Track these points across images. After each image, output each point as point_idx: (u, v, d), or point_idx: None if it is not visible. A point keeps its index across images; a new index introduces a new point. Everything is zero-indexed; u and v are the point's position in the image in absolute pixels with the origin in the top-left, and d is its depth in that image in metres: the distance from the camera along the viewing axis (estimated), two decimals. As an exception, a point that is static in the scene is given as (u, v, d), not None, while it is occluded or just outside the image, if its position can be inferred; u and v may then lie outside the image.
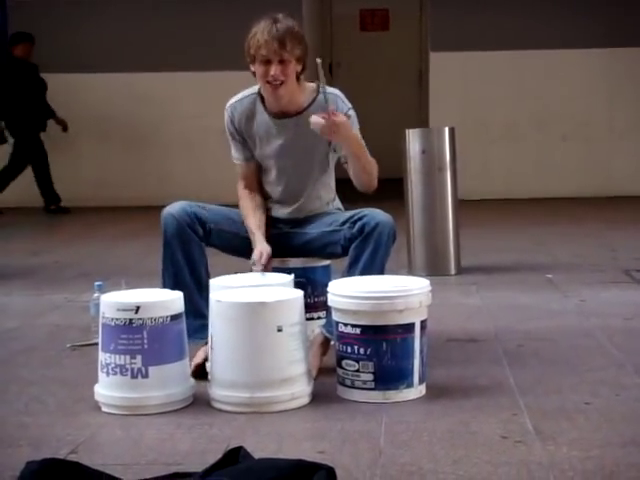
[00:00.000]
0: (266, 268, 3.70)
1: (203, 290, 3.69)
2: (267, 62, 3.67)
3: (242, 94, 3.90)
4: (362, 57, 11.96)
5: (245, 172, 3.94)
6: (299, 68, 3.74)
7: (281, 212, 3.94)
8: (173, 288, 3.60)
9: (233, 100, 3.91)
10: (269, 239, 3.79)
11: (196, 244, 3.74)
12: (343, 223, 3.74)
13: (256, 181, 3.94)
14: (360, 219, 3.67)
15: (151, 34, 9.89)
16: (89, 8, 9.93)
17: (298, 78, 3.77)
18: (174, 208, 3.75)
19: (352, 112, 3.82)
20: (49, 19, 9.89)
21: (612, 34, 9.71)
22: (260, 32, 3.66)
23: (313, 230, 3.86)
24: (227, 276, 3.67)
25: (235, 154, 3.95)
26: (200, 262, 3.76)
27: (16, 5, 10.02)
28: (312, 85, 3.86)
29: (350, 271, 3.66)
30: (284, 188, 3.91)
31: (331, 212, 3.95)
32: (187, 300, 3.43)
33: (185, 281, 3.70)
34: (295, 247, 3.89)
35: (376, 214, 3.66)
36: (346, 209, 3.94)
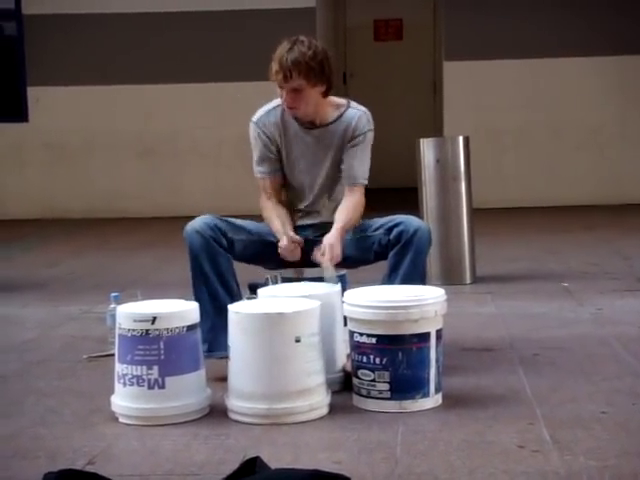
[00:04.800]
0: (294, 253, 3.75)
1: (235, 300, 3.72)
2: (281, 87, 3.79)
3: (266, 107, 3.97)
4: (376, 67, 11.97)
5: (270, 186, 3.98)
6: (322, 89, 3.81)
7: (307, 220, 3.98)
8: (208, 304, 3.68)
9: (259, 114, 3.97)
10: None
11: (223, 256, 3.77)
12: (376, 230, 3.82)
13: (280, 193, 4.00)
14: (396, 226, 3.75)
15: (162, 46, 9.91)
16: (100, 20, 9.96)
17: (326, 95, 3.84)
18: (197, 223, 3.78)
19: (370, 134, 3.95)
20: (62, 32, 9.91)
21: (625, 42, 9.69)
22: (275, 59, 3.77)
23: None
24: (274, 286, 3.70)
25: (261, 168, 3.98)
26: (229, 273, 3.80)
27: (30, 19, 10.06)
28: (342, 101, 3.97)
29: (391, 278, 3.72)
30: (312, 195, 3.97)
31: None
32: (223, 316, 3.41)
33: (219, 295, 3.74)
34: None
35: (413, 220, 3.76)
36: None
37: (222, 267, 3.77)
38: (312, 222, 3.98)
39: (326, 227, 3.93)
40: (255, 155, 3.98)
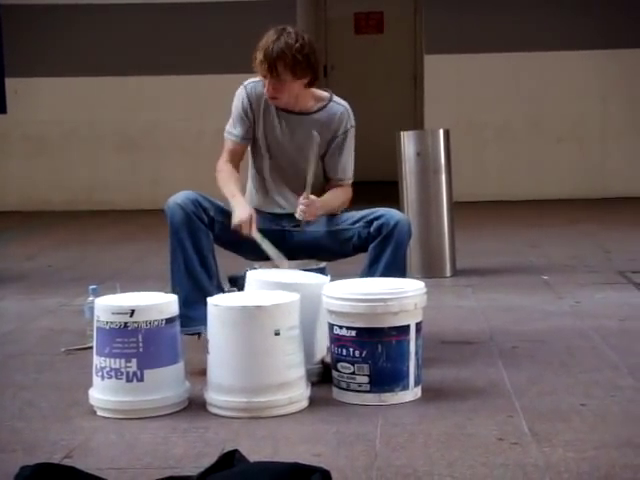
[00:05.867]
0: (250, 230, 3.73)
1: (213, 278, 3.74)
2: (264, 76, 3.79)
3: (259, 78, 3.92)
4: (357, 60, 11.96)
5: (235, 150, 3.97)
6: (305, 80, 3.80)
7: (280, 208, 3.96)
8: (183, 277, 3.67)
9: (251, 79, 3.96)
10: (271, 235, 3.82)
11: (203, 232, 3.75)
12: (354, 222, 3.82)
13: (239, 162, 3.99)
14: (377, 219, 3.76)
15: (142, 38, 9.87)
16: (81, 11, 9.91)
17: (310, 86, 3.84)
18: (179, 197, 3.76)
19: (353, 130, 3.97)
20: (41, 23, 9.86)
21: (606, 36, 9.71)
22: (260, 48, 3.76)
23: (318, 228, 3.88)
24: (266, 269, 3.70)
25: (233, 130, 3.96)
26: (208, 249, 3.77)
27: (7, 8, 9.99)
28: (324, 93, 3.97)
29: (371, 271, 3.72)
30: (281, 181, 3.97)
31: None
32: (198, 289, 3.54)
33: (195, 270, 3.72)
34: (298, 245, 3.90)
35: (394, 213, 3.77)
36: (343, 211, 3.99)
37: (202, 243, 3.74)
38: (287, 211, 3.95)
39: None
40: (233, 116, 3.96)
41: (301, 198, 3.77)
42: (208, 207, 3.78)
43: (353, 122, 3.96)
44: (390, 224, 3.71)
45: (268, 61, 3.71)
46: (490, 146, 9.98)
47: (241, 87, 3.95)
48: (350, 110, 3.97)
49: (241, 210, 3.75)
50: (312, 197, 3.79)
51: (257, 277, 3.56)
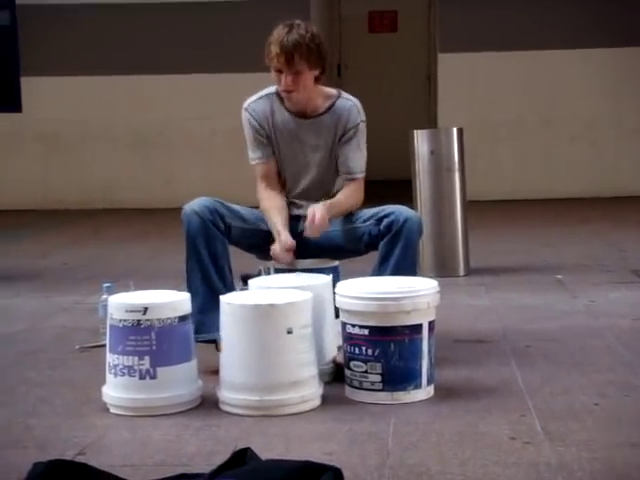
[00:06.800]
0: (286, 259, 3.76)
1: (228, 287, 3.74)
2: (280, 71, 3.79)
3: (258, 94, 3.99)
4: (370, 58, 11.94)
5: (266, 171, 3.97)
6: (316, 73, 3.82)
7: (298, 211, 3.97)
8: (200, 285, 3.70)
9: (250, 100, 3.99)
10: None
11: (219, 240, 3.77)
12: (365, 220, 3.83)
13: (277, 180, 3.99)
14: (387, 216, 3.76)
15: (156, 37, 9.88)
16: (96, 10, 9.93)
17: (318, 80, 3.85)
18: (196, 205, 3.77)
19: (363, 125, 3.96)
20: (56, 22, 9.88)
21: (619, 34, 9.67)
22: (274, 42, 3.78)
23: (332, 228, 3.88)
24: (266, 277, 3.71)
25: (255, 154, 3.97)
26: (224, 258, 3.79)
27: (23, 8, 10.02)
28: (332, 91, 3.98)
29: (381, 268, 3.73)
30: (301, 185, 3.98)
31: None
32: (213, 296, 3.53)
33: (212, 279, 3.74)
34: (313, 245, 3.90)
35: (403, 210, 3.76)
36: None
37: (218, 251, 3.76)
38: (304, 213, 3.96)
39: None
40: (248, 141, 3.99)
41: (309, 213, 3.76)
42: (225, 214, 3.80)
43: (364, 117, 3.96)
44: (400, 221, 3.70)
45: (285, 53, 3.72)
46: (503, 145, 9.96)
47: (243, 110, 3.98)
48: (360, 105, 3.97)
49: (281, 239, 3.77)
50: (318, 210, 3.77)
51: (259, 284, 3.56)
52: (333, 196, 3.99)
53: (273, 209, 3.89)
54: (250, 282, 3.59)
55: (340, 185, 3.98)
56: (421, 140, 5.89)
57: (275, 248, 3.77)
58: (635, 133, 9.87)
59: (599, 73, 9.81)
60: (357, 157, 3.97)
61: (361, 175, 3.99)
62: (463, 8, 9.77)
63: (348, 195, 3.94)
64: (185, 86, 9.90)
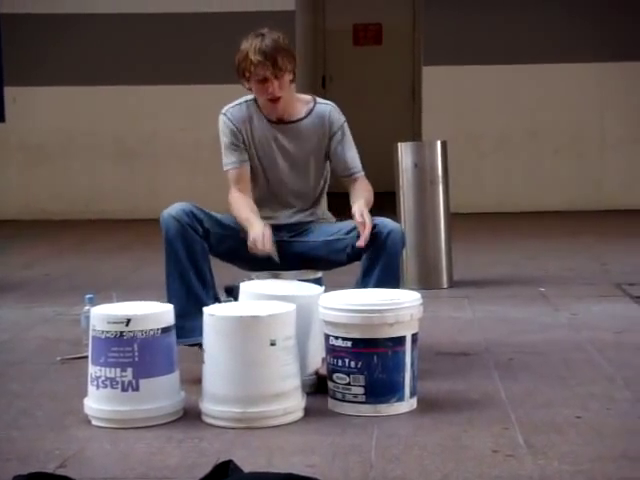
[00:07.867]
0: (265, 244, 3.70)
1: (209, 289, 3.75)
2: (264, 80, 3.79)
3: (237, 101, 4.00)
4: (355, 71, 11.96)
5: (239, 176, 3.95)
6: (291, 77, 3.84)
7: (278, 219, 3.95)
8: (178, 289, 3.69)
9: (228, 106, 4.00)
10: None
11: (198, 243, 3.76)
12: (349, 232, 3.80)
13: (248, 186, 3.97)
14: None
15: (141, 47, 9.88)
16: (80, 21, 9.92)
17: (291, 83, 3.88)
18: (173, 209, 3.77)
19: (346, 124, 4.00)
20: (40, 32, 9.86)
21: (604, 49, 9.73)
22: (252, 51, 3.78)
23: (315, 238, 3.89)
24: (259, 281, 3.71)
25: (229, 159, 3.96)
26: (203, 260, 3.78)
27: (7, 18, 10.00)
28: (307, 97, 4.02)
29: (365, 280, 3.72)
30: (281, 193, 3.97)
31: (330, 221, 4.05)
32: (194, 300, 3.59)
33: (191, 282, 3.73)
34: (296, 256, 3.90)
35: (387, 222, 3.75)
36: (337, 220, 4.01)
37: (197, 254, 3.75)
38: (286, 222, 3.96)
39: (301, 226, 3.93)
40: (224, 147, 3.96)
41: (361, 226, 3.68)
42: (203, 218, 3.79)
43: (343, 117, 4.00)
44: (383, 233, 3.69)
45: (270, 58, 3.74)
46: (488, 158, 9.98)
47: (221, 115, 3.97)
48: (336, 107, 4.01)
49: (255, 228, 3.74)
50: (367, 216, 3.71)
51: (250, 289, 3.56)
52: (316, 201, 3.99)
53: (244, 206, 3.85)
54: (242, 286, 3.58)
55: (313, 187, 3.99)
56: (405, 153, 5.90)
57: (252, 236, 3.70)
58: (619, 146, 9.92)
59: (584, 87, 9.86)
60: (354, 155, 3.99)
61: (362, 172, 4.00)
62: (448, 21, 9.80)
63: (365, 189, 3.92)
64: (169, 97, 9.89)
